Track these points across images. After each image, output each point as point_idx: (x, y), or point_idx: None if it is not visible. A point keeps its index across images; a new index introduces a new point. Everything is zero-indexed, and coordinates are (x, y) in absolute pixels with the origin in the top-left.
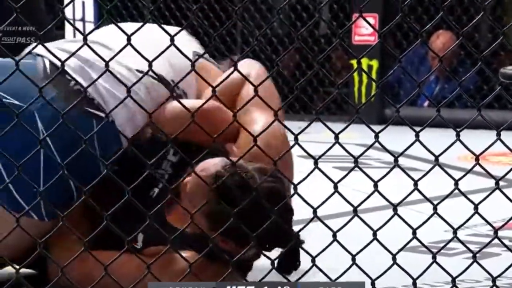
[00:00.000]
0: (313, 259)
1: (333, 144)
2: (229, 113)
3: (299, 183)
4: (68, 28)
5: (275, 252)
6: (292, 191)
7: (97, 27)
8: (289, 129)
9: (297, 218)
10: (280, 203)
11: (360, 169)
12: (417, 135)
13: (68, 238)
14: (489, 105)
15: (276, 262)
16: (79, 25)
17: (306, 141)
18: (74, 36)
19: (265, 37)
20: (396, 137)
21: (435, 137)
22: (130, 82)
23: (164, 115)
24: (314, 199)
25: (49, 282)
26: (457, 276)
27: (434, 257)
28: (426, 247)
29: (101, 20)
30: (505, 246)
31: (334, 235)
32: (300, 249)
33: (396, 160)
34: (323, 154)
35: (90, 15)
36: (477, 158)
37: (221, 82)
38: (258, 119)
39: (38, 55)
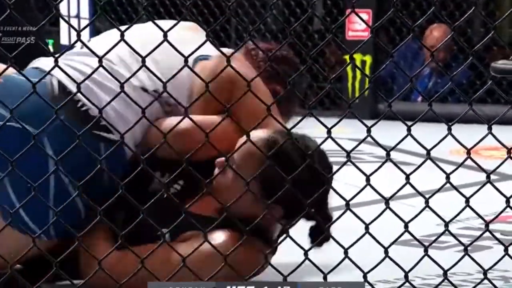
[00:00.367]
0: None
1: (326, 139)
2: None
3: (292, 177)
4: (63, 25)
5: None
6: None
7: (94, 28)
8: (283, 125)
9: None
10: (330, 165)
11: (353, 163)
12: (409, 129)
13: (93, 236)
14: (482, 100)
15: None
16: (74, 22)
17: None
18: (69, 32)
19: (258, 32)
20: (389, 131)
21: (428, 131)
22: (140, 102)
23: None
24: None
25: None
26: (448, 269)
27: (426, 250)
28: (418, 240)
29: (95, 16)
30: (496, 239)
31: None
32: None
33: (388, 154)
34: (316, 149)
35: (85, 11)
36: (468, 152)
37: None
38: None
39: (44, 71)
